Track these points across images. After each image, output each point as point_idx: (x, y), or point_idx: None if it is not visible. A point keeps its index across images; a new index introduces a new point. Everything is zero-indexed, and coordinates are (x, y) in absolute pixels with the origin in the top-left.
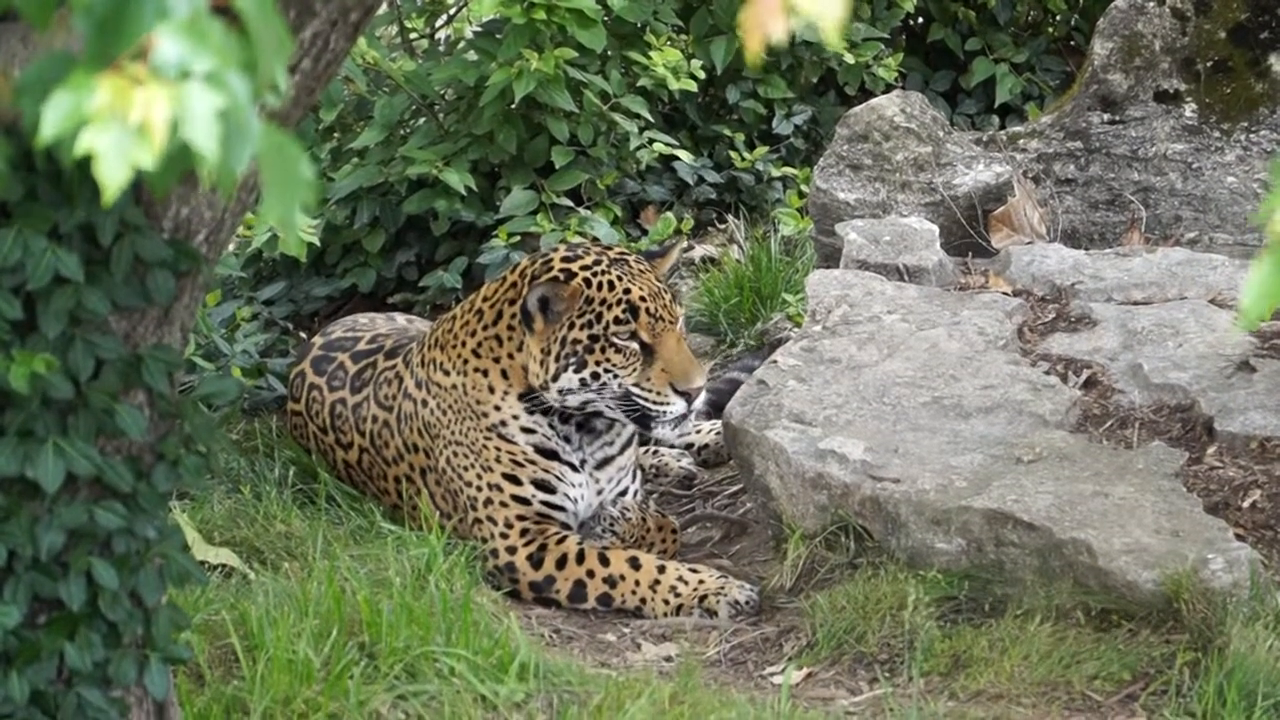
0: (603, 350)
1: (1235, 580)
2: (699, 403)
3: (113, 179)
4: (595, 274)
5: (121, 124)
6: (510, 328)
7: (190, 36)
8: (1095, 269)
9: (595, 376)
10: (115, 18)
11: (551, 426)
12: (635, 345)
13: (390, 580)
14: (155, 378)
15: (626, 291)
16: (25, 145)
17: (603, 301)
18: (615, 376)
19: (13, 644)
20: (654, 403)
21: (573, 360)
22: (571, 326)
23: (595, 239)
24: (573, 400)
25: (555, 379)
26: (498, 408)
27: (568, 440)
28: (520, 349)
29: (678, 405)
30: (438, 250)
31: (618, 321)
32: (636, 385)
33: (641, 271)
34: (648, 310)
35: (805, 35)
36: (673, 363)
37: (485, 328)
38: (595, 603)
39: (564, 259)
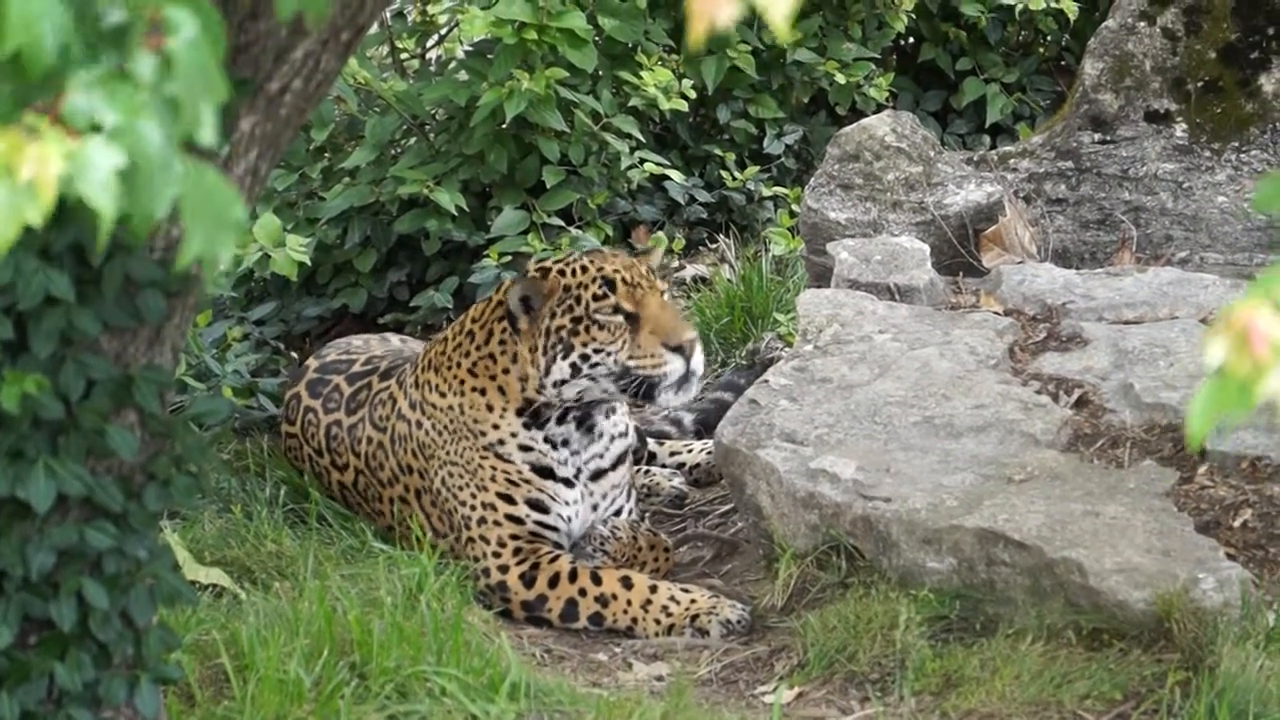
0: (587, 330)
1: (1226, 600)
2: (698, 360)
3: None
4: (569, 264)
5: (12, 180)
6: (502, 344)
7: (103, 87)
8: (1086, 288)
9: (585, 359)
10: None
11: (548, 440)
12: (619, 318)
13: (381, 600)
14: (146, 398)
15: (600, 269)
16: None
17: (579, 284)
18: (607, 354)
19: (3, 664)
20: (651, 367)
21: (560, 348)
22: (553, 315)
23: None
24: (569, 391)
25: (547, 373)
26: (496, 426)
27: (566, 443)
28: (514, 362)
29: (675, 363)
30: (429, 270)
31: (596, 298)
32: (630, 357)
33: (615, 254)
34: (624, 279)
35: (796, 55)
36: (659, 320)
37: (478, 347)
38: (587, 622)
39: (537, 261)
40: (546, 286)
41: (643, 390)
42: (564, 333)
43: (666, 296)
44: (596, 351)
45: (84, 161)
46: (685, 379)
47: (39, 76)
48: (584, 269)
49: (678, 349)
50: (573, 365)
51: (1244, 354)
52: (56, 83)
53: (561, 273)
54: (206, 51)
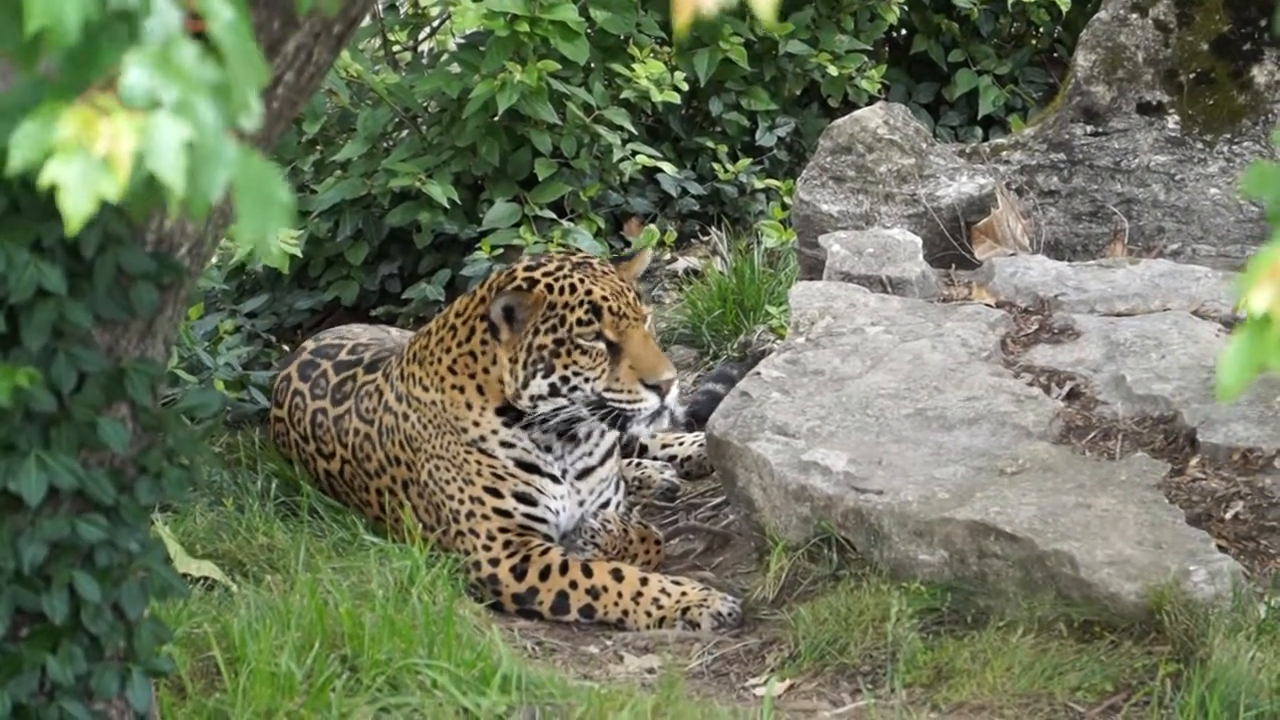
0: (569, 353)
1: (1217, 592)
2: (672, 397)
3: (76, 211)
4: (557, 279)
5: (87, 156)
6: (484, 342)
7: (160, 65)
8: (1078, 280)
9: (565, 381)
10: (87, 49)
11: (532, 440)
12: (601, 345)
13: (373, 593)
14: (138, 390)
15: (589, 293)
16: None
17: (565, 305)
18: (586, 380)
19: None
20: (627, 402)
21: (540, 366)
22: (536, 332)
23: (578, 251)
24: (545, 407)
25: (525, 386)
26: (476, 424)
27: (549, 450)
28: (494, 363)
29: (650, 400)
30: (421, 263)
31: (581, 323)
32: (607, 389)
33: (605, 273)
34: (610, 309)
35: (788, 47)
36: (640, 358)
37: (459, 344)
38: (578, 614)
39: (526, 268)
40: (531, 299)
41: (616, 420)
42: (545, 352)
43: (649, 325)
44: (576, 375)
45: (154, 136)
46: (658, 413)
47: (60, 55)
48: (572, 288)
49: (655, 387)
50: (551, 385)
51: None
52: (100, 62)
53: (549, 288)
54: (247, 35)
